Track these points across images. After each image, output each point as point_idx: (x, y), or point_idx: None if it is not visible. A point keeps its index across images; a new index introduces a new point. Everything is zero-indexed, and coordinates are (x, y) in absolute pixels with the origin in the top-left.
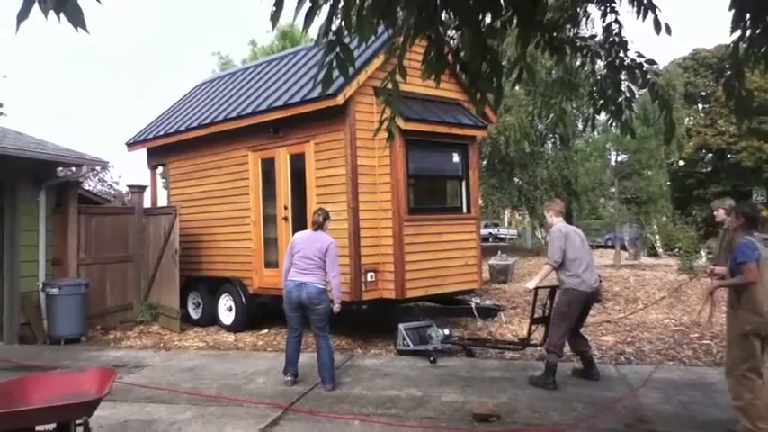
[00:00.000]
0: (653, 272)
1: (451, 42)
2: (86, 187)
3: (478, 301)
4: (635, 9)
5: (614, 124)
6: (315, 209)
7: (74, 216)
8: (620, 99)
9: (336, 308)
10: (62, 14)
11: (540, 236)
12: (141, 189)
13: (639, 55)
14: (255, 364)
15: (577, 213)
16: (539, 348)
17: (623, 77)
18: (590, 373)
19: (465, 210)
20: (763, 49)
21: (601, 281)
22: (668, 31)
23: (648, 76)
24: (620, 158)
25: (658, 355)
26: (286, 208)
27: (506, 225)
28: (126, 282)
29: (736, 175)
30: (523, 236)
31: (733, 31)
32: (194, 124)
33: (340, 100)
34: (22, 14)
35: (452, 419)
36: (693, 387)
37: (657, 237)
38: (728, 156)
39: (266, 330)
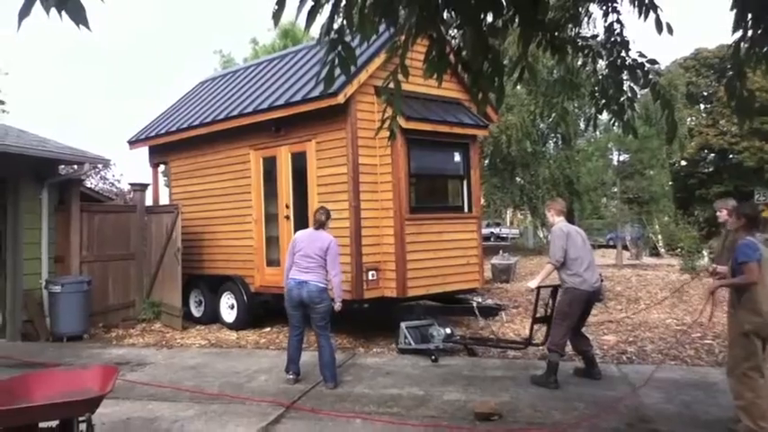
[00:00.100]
0: (655, 272)
1: (453, 42)
2: (88, 185)
3: (480, 300)
4: (636, 9)
5: (616, 124)
6: (316, 207)
7: (76, 214)
8: (621, 99)
9: (338, 306)
10: (64, 12)
11: (541, 235)
12: (143, 187)
13: (641, 55)
14: (257, 362)
15: (579, 213)
16: (540, 348)
17: (625, 77)
18: (592, 373)
19: (466, 209)
20: (765, 49)
21: (602, 280)
22: (670, 30)
23: (650, 76)
24: (622, 158)
25: (660, 354)
26: (287, 206)
27: (508, 224)
28: (128, 279)
29: (738, 175)
30: (525, 235)
31: (734, 31)
32: (196, 122)
33: (341, 99)
34: (24, 11)
35: (454, 418)
36: (695, 387)
37: (659, 237)
38: (730, 156)
39: (268, 328)
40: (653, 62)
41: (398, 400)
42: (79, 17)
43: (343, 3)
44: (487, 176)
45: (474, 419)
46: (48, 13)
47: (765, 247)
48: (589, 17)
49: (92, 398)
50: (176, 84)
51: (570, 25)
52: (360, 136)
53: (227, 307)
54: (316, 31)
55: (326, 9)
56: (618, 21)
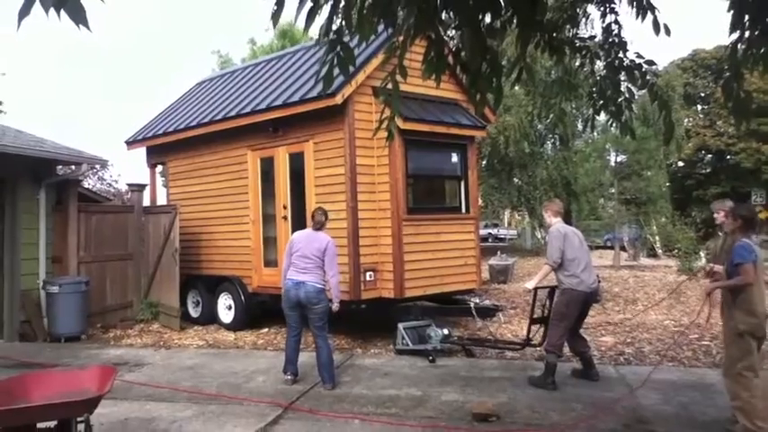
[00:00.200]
0: (652, 273)
1: (451, 42)
2: (86, 185)
3: (477, 300)
4: (634, 10)
5: (614, 125)
6: (314, 208)
7: (74, 214)
8: (619, 99)
9: (335, 307)
10: (63, 11)
11: (539, 236)
12: (141, 187)
13: (639, 56)
14: (255, 362)
15: (577, 214)
16: (538, 349)
17: (623, 78)
18: (589, 374)
19: (464, 210)
20: (762, 50)
21: (599, 281)
22: (667, 31)
23: (648, 77)
24: (619, 159)
25: (658, 355)
26: (285, 207)
27: (506, 225)
28: (126, 280)
29: (735, 176)
30: (523, 236)
31: (732, 32)
32: (194, 123)
33: (339, 99)
34: (24, 11)
35: (452, 419)
36: (693, 388)
37: (657, 238)
38: (728, 157)
39: (266, 329)
40: (650, 63)
41: (396, 400)
42: (79, 17)
43: (342, 3)
44: (485, 177)
45: (472, 420)
46: (47, 12)
47: (761, 248)
48: (587, 18)
49: (90, 398)
50: (174, 84)
51: (568, 26)
52: (357, 137)
53: (225, 307)
54: (314, 31)
55: (325, 10)
56: (616, 22)
